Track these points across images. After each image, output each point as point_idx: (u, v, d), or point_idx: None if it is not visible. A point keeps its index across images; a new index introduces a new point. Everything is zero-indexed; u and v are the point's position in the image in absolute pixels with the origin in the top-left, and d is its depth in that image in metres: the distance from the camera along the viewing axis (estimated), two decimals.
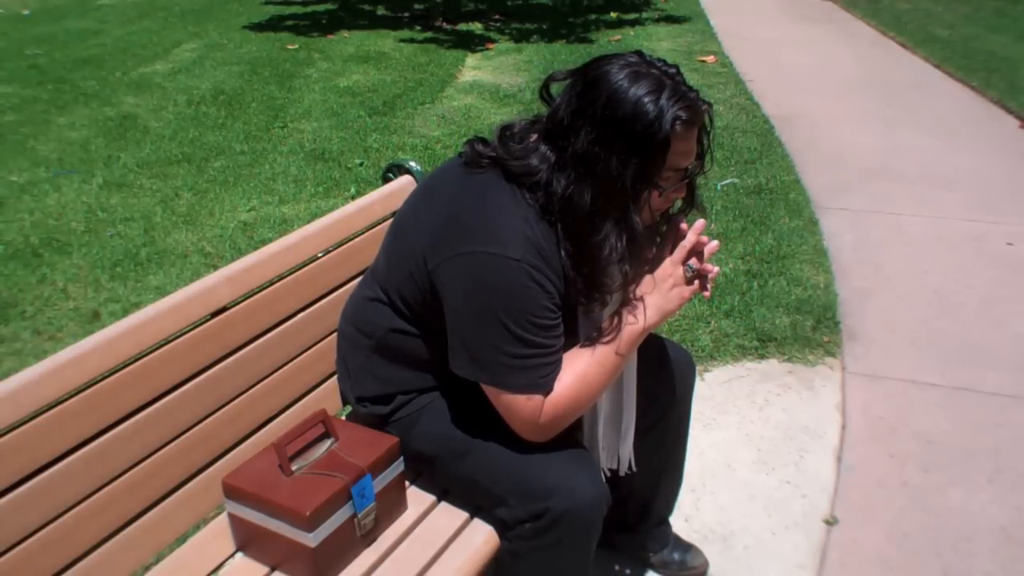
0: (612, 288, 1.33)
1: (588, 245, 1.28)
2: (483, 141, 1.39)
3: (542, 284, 1.28)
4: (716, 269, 1.41)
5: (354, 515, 1.37)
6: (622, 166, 1.23)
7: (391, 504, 1.47)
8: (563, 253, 1.30)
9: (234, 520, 1.40)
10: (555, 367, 1.34)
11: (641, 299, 1.37)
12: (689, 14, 9.19)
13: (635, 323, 1.36)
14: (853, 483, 2.20)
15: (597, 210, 1.26)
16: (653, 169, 1.25)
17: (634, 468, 1.64)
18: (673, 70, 1.26)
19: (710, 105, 1.29)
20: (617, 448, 1.60)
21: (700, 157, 1.34)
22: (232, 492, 1.38)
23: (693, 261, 1.39)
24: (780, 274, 3.28)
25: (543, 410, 1.33)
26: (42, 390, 1.19)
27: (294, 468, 1.38)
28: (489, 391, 1.35)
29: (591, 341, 1.38)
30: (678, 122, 1.21)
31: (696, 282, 1.40)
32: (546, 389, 1.33)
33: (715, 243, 1.42)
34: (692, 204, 1.42)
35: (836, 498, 2.15)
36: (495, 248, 1.26)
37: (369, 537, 1.42)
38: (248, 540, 1.41)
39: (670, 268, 1.38)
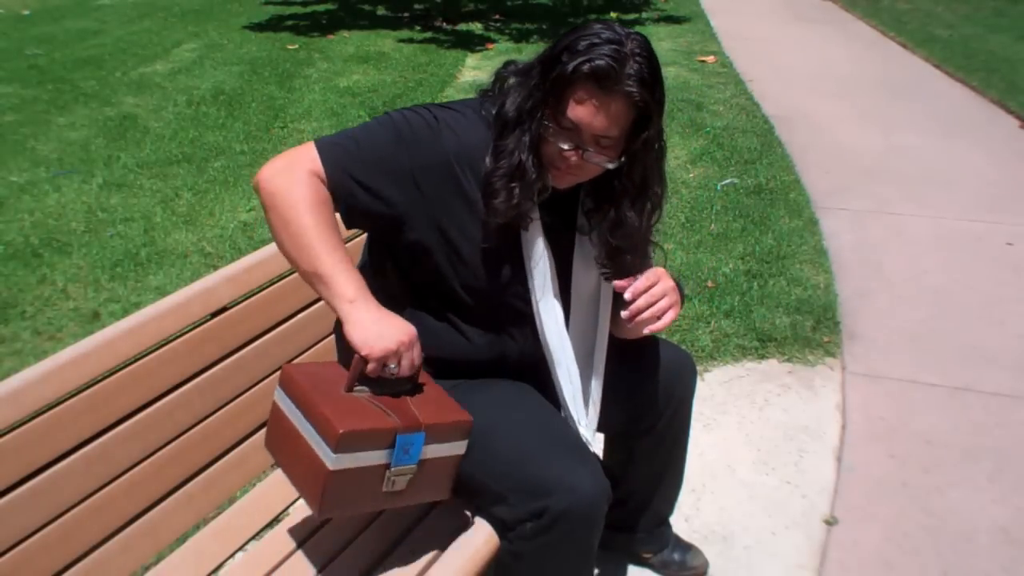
0: (499, 206, 1.31)
1: (495, 147, 1.32)
2: None
3: (431, 140, 1.32)
4: (405, 377, 1.32)
5: (387, 465, 1.25)
6: (535, 87, 1.28)
7: (431, 482, 1.33)
8: (488, 155, 1.34)
9: (274, 412, 1.32)
10: (347, 170, 1.30)
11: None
12: (689, 14, 9.19)
13: (346, 292, 1.27)
14: (853, 483, 2.20)
15: (509, 120, 1.31)
16: (552, 102, 1.27)
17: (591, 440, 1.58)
18: (639, 50, 1.24)
19: (648, 100, 1.25)
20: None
21: (628, 155, 1.31)
22: (286, 380, 1.29)
23: (395, 367, 1.28)
24: (780, 274, 3.28)
25: (308, 165, 1.29)
26: (42, 390, 1.19)
27: (356, 389, 1.29)
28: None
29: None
30: (586, 65, 1.22)
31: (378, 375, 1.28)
32: (320, 157, 1.30)
33: None
34: (631, 217, 1.38)
35: (836, 498, 2.15)
36: (428, 109, 1.37)
37: (391, 500, 1.30)
38: (277, 437, 1.31)
39: (409, 339, 1.29)
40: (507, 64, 1.41)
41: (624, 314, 1.38)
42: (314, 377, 1.30)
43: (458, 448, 1.34)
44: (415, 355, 1.31)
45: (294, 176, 1.28)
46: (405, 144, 1.32)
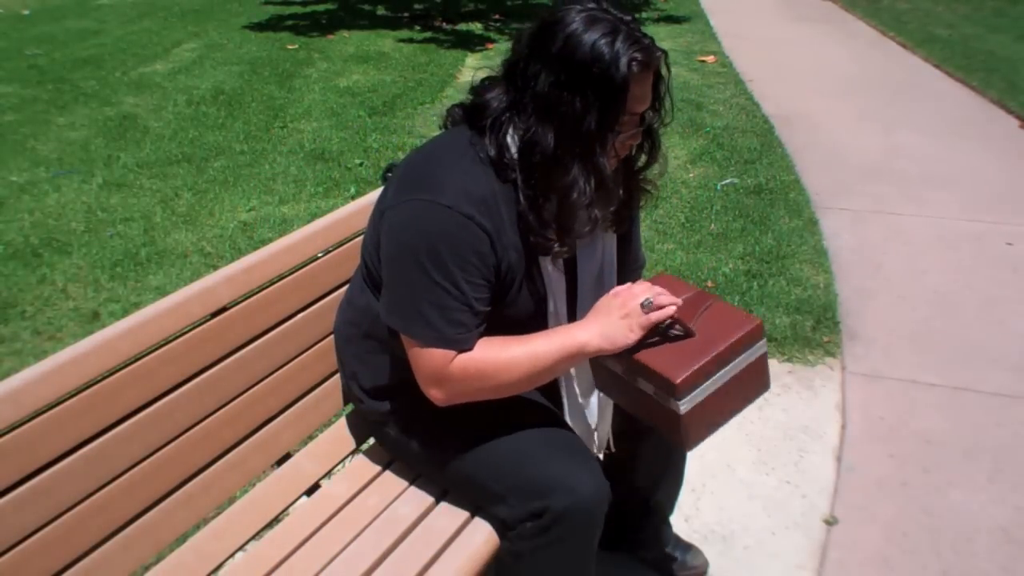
0: (581, 233, 1.32)
1: (555, 188, 1.29)
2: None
3: (473, 236, 1.27)
4: (671, 309, 1.32)
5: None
6: (584, 109, 1.24)
7: None
8: (522, 198, 1.30)
9: (695, 413, 1.33)
10: (474, 328, 1.31)
11: (594, 319, 1.33)
12: (689, 14, 9.19)
13: (576, 338, 1.32)
14: (853, 483, 2.20)
15: (562, 153, 1.27)
16: (615, 112, 1.26)
17: (612, 448, 1.63)
18: (629, 17, 1.28)
19: (665, 53, 1.31)
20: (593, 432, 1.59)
21: (657, 107, 1.36)
22: (691, 381, 1.30)
23: (652, 295, 1.32)
24: (780, 274, 3.28)
25: (452, 363, 1.31)
26: (42, 390, 1.19)
27: (681, 329, 1.35)
28: (404, 341, 1.34)
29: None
30: (634, 63, 1.23)
31: (651, 316, 1.32)
32: (460, 346, 1.31)
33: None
34: (654, 157, 1.43)
35: (836, 498, 2.15)
36: (431, 195, 1.28)
37: None
38: (710, 411, 1.36)
39: (626, 295, 1.33)
40: (482, 106, 1.34)
41: None
42: (683, 361, 1.31)
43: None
44: (637, 288, 1.35)
45: (451, 381, 1.32)
46: (460, 263, 1.28)
